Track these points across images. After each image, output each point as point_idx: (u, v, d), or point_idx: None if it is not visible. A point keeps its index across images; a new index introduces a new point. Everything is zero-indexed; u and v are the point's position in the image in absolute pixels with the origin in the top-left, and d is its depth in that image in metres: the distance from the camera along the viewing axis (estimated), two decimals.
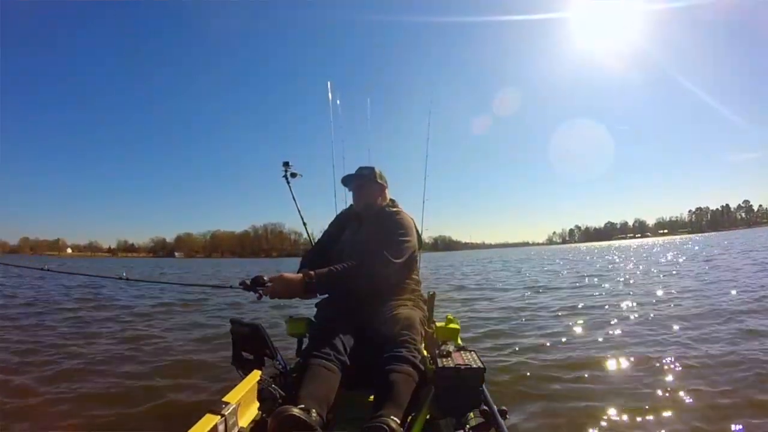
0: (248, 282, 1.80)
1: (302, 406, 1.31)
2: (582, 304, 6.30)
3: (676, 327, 4.38)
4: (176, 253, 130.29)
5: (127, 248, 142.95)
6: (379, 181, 2.10)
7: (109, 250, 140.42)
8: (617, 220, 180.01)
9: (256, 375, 1.58)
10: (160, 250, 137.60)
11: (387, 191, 2.16)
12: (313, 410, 1.32)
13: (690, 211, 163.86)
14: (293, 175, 3.03)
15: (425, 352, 1.77)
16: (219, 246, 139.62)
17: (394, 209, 2.07)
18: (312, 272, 1.71)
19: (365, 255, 1.80)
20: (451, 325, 2.19)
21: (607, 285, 8.96)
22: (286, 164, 3.02)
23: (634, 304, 6.10)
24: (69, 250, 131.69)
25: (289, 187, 3.04)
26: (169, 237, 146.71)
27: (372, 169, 2.12)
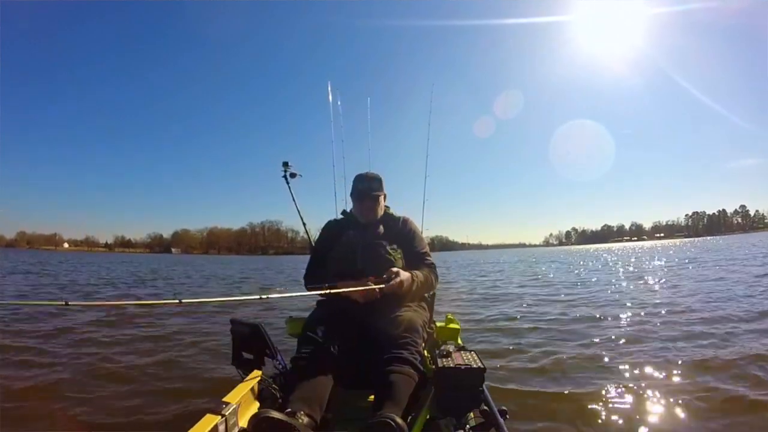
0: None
1: (289, 409, 1.32)
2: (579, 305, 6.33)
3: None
4: (173, 249, 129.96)
5: (123, 244, 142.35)
6: (384, 193, 2.13)
7: (106, 246, 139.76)
8: (614, 222, 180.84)
9: (256, 375, 1.58)
10: (157, 245, 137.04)
11: None
12: (301, 411, 1.32)
13: (687, 215, 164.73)
14: (293, 175, 3.00)
15: (426, 353, 1.78)
16: (216, 243, 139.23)
17: (403, 216, 2.15)
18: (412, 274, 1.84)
19: (420, 263, 1.96)
20: (452, 325, 2.20)
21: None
22: (285, 164, 2.99)
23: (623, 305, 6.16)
24: (66, 245, 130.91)
25: (289, 187, 3.02)
26: (166, 233, 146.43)
27: (380, 182, 2.10)
